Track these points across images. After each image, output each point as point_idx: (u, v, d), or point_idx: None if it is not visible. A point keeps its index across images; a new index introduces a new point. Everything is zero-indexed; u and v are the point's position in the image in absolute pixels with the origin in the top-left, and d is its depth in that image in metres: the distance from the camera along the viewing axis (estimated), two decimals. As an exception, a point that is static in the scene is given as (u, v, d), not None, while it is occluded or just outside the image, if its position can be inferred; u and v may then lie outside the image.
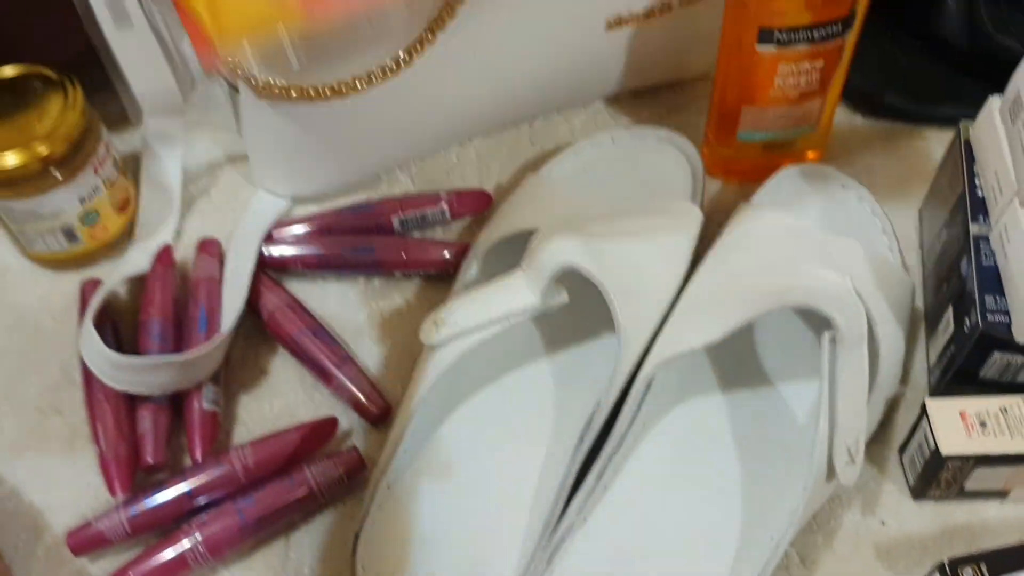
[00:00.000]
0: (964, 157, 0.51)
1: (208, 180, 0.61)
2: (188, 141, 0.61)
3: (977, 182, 0.50)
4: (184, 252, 0.57)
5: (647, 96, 0.63)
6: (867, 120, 0.62)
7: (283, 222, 0.57)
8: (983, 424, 0.46)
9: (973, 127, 0.52)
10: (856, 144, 0.61)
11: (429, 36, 0.52)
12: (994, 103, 0.50)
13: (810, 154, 0.59)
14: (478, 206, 0.58)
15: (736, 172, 0.59)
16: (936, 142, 0.61)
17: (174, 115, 0.57)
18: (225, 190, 0.60)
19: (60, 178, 0.52)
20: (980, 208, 0.49)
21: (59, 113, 0.52)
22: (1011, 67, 0.56)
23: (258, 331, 0.54)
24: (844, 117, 0.62)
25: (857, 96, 0.61)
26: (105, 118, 0.63)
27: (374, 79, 0.53)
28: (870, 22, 0.56)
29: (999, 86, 0.58)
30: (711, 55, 0.55)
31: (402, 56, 0.52)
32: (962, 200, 0.50)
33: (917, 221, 0.58)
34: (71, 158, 0.52)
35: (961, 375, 0.49)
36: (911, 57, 0.62)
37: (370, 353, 0.54)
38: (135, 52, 0.54)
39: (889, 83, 0.61)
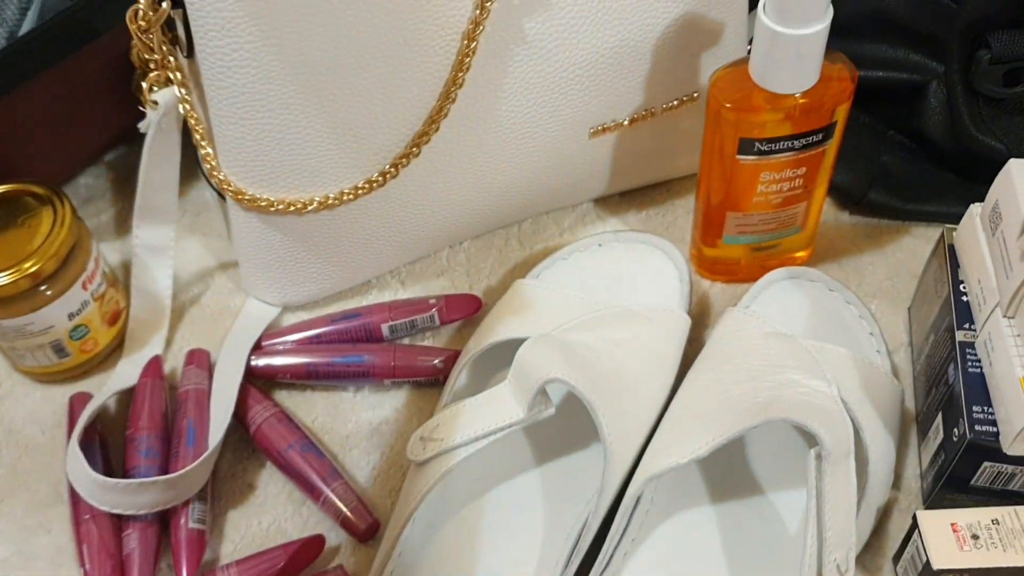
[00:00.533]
0: (948, 262, 0.51)
1: (199, 288, 0.61)
2: (179, 248, 0.62)
3: (962, 287, 0.50)
4: (174, 362, 0.58)
5: (634, 195, 0.64)
6: (854, 217, 0.62)
7: (271, 332, 0.57)
8: (975, 537, 0.45)
9: (956, 233, 0.52)
10: (843, 242, 0.61)
11: (414, 150, 0.53)
12: (975, 210, 0.50)
13: (798, 254, 0.59)
14: (468, 310, 0.58)
15: (724, 272, 0.59)
16: (923, 239, 0.61)
17: (164, 225, 0.57)
18: (216, 298, 0.60)
19: (49, 295, 0.53)
20: (965, 314, 0.49)
21: (48, 230, 0.53)
22: (993, 166, 0.57)
23: (246, 443, 0.54)
24: (831, 214, 0.62)
25: (842, 193, 0.62)
26: (97, 227, 0.64)
27: (360, 192, 0.53)
28: (854, 119, 0.56)
29: (983, 184, 0.58)
30: (697, 155, 0.56)
31: (388, 169, 0.53)
32: (947, 304, 0.50)
33: (906, 320, 0.58)
34: (60, 275, 0.53)
35: (953, 482, 0.49)
36: (895, 154, 0.62)
37: (359, 464, 0.54)
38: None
39: (874, 180, 0.61)
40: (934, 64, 0.60)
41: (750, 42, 0.55)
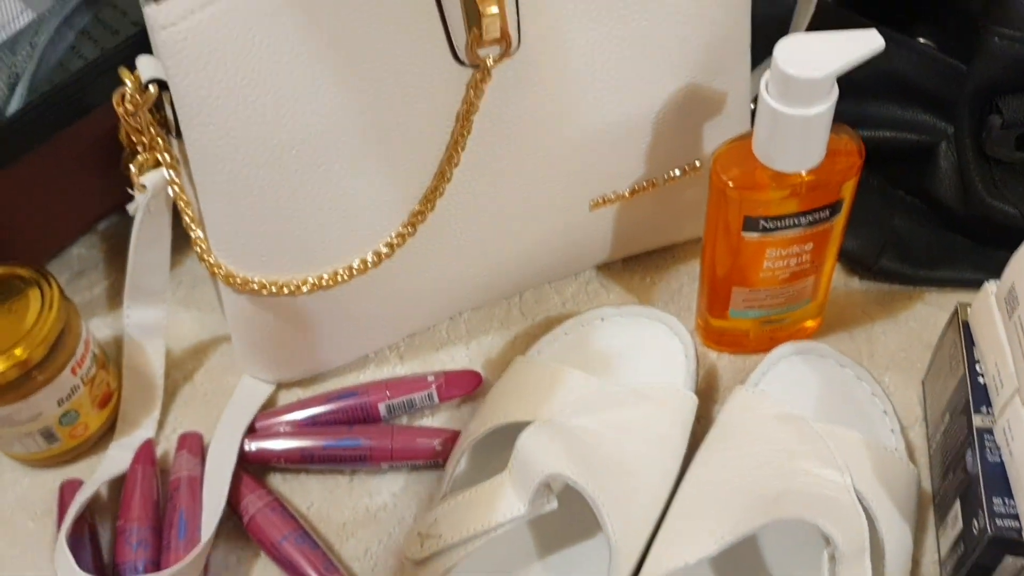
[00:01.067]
0: (963, 340, 0.49)
1: (192, 364, 0.60)
2: (173, 322, 0.60)
3: (978, 367, 0.48)
4: (167, 444, 0.56)
5: (638, 262, 0.62)
6: (864, 282, 0.61)
7: (266, 412, 0.56)
8: (998, 636, 0.43)
9: (971, 311, 0.50)
10: (854, 310, 0.59)
11: (410, 229, 0.51)
12: (990, 288, 0.48)
13: (808, 323, 0.57)
14: (467, 388, 0.56)
15: (731, 344, 0.58)
16: (937, 307, 0.59)
17: (156, 306, 0.56)
18: (210, 375, 0.59)
19: (38, 382, 0.51)
20: (983, 398, 0.47)
21: (36, 315, 0.51)
22: (1006, 231, 0.55)
23: (239, 532, 0.52)
24: (840, 280, 0.61)
25: (852, 259, 0.60)
26: (90, 301, 0.63)
27: (355, 272, 0.52)
28: (863, 181, 0.54)
29: (996, 248, 0.57)
30: (701, 222, 0.54)
31: (382, 250, 0.51)
32: (963, 385, 0.49)
33: (921, 393, 0.56)
34: (49, 361, 0.51)
35: (975, 572, 0.47)
36: (906, 218, 0.60)
37: (355, 554, 0.52)
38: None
39: (884, 246, 0.59)
40: (943, 124, 0.58)
41: (754, 101, 0.53)
